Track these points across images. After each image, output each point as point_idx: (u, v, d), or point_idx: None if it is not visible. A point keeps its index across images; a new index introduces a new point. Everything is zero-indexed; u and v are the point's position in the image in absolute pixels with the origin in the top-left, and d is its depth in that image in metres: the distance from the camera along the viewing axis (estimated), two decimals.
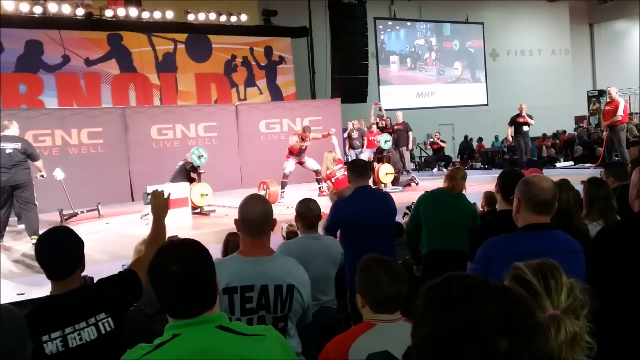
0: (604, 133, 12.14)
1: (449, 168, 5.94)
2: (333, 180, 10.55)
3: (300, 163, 11.32)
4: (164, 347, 1.54)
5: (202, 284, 1.61)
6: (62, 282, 2.33)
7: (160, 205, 2.84)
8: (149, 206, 3.11)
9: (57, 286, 2.34)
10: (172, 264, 1.58)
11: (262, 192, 10.38)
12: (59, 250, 2.34)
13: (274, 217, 2.54)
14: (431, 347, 0.89)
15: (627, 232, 2.61)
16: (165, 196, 2.89)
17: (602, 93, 21.75)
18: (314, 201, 3.85)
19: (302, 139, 11.09)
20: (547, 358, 0.91)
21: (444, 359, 0.87)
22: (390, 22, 22.45)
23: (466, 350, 0.85)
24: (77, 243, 2.39)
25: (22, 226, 8.18)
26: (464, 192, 4.56)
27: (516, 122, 13.72)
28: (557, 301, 1.37)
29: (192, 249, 1.66)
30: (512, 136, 13.95)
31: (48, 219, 9.99)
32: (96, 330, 2.29)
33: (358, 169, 4.25)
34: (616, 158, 11.23)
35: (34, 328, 2.18)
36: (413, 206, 4.81)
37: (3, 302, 1.90)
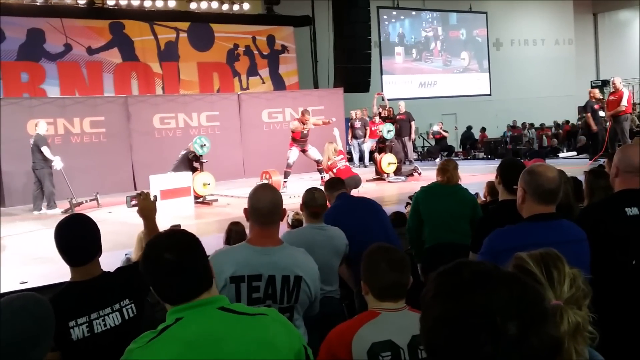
0: (608, 123, 12.08)
1: (440, 162, 5.97)
2: (335, 171, 10.54)
3: (303, 151, 11.28)
4: (169, 331, 1.58)
5: (196, 267, 1.66)
6: (83, 268, 2.35)
7: (148, 207, 2.85)
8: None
9: (78, 272, 2.36)
10: (164, 252, 1.64)
11: (265, 182, 10.36)
12: (81, 236, 2.37)
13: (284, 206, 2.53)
14: (442, 330, 0.90)
15: (603, 211, 2.63)
16: (152, 198, 2.90)
17: (605, 83, 21.67)
18: (320, 190, 3.82)
19: (302, 123, 11.03)
20: (556, 343, 0.92)
21: (455, 342, 0.88)
22: (395, 12, 22.27)
23: (477, 334, 0.87)
24: (96, 229, 2.42)
25: None
26: (459, 182, 4.57)
27: (594, 109, 12.51)
28: (559, 292, 1.36)
29: (180, 236, 1.73)
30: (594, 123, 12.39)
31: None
32: (120, 316, 2.35)
33: (333, 185, 4.49)
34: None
35: (60, 313, 2.22)
36: (412, 203, 4.79)
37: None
